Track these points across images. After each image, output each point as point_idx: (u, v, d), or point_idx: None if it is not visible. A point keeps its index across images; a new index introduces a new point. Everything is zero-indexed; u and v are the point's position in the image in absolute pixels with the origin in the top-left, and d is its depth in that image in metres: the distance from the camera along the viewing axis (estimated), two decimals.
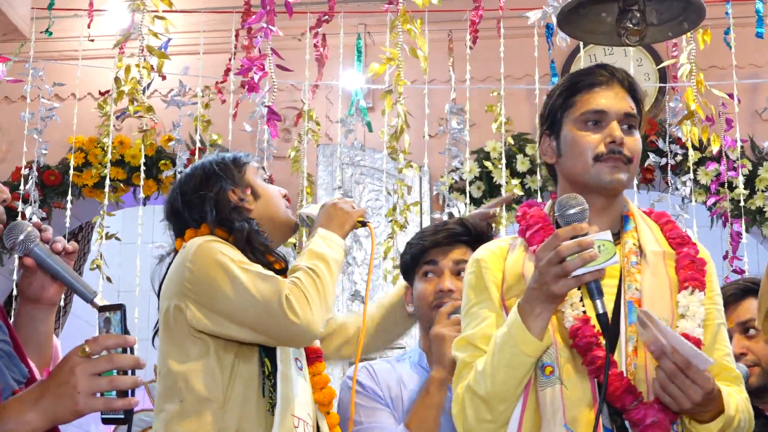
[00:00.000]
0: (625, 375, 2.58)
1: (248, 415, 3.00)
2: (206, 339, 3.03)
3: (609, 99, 2.79)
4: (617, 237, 2.78)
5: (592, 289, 2.50)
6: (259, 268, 3.07)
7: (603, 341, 2.56)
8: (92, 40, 7.22)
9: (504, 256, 2.82)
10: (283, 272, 3.17)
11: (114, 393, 1.99)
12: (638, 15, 3.69)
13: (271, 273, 3.06)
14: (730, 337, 3.61)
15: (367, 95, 7.36)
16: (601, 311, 2.50)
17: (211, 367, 3.02)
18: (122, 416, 2.01)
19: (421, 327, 3.57)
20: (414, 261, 3.54)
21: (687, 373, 2.46)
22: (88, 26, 7.12)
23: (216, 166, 3.34)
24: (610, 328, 2.55)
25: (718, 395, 2.55)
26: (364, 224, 3.32)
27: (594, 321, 2.57)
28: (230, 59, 7.04)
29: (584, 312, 2.60)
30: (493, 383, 2.61)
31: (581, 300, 2.61)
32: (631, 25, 3.68)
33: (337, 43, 7.07)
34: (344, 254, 3.23)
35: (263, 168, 3.46)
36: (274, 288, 2.99)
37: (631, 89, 2.84)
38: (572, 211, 2.53)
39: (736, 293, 3.69)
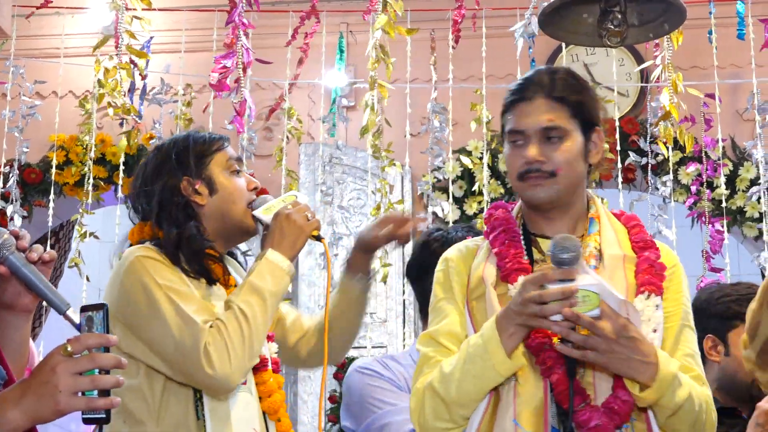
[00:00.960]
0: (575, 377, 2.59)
1: None
2: (138, 360, 2.92)
3: (526, 117, 2.78)
4: (580, 240, 2.76)
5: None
6: (190, 297, 2.91)
7: (556, 342, 2.58)
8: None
9: (472, 257, 2.85)
10: (218, 281, 3.06)
11: (95, 392, 1.99)
12: (619, 16, 3.70)
13: (193, 312, 2.87)
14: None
15: (350, 94, 7.37)
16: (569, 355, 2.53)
17: (142, 389, 2.91)
18: (103, 416, 2.01)
19: None
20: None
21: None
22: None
23: (174, 152, 3.15)
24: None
25: (652, 354, 2.55)
26: (318, 239, 3.14)
27: None
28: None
29: None
30: (458, 391, 2.64)
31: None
32: (612, 26, 3.70)
33: (319, 42, 7.08)
34: (290, 280, 3.06)
35: (239, 159, 3.23)
36: (194, 333, 2.84)
37: (558, 97, 2.79)
38: (566, 256, 2.51)
39: None
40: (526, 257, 2.74)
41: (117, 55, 5.73)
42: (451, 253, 2.90)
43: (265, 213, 3.11)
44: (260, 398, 3.03)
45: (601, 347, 2.50)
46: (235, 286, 3.07)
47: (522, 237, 2.81)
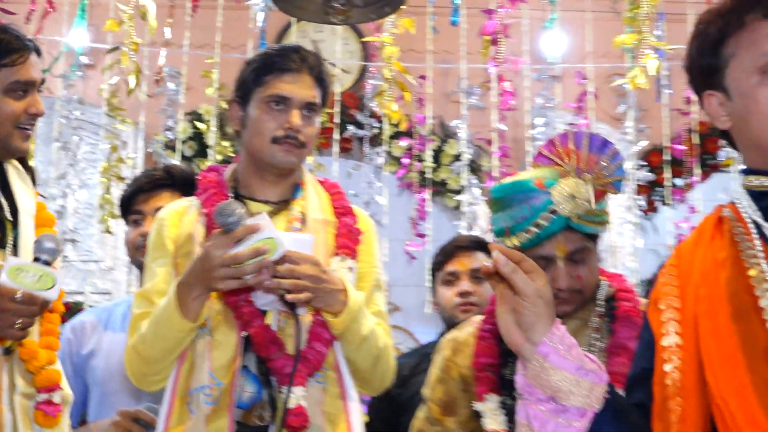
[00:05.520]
0: (273, 328, 2.78)
1: None
2: None
3: (295, 87, 2.92)
4: (287, 204, 2.98)
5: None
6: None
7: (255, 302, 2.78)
8: None
9: (182, 215, 2.96)
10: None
11: None
12: None
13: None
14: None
15: (89, 53, 7.41)
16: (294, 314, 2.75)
17: None
18: None
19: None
20: (124, 208, 3.68)
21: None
22: None
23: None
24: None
25: (342, 290, 2.76)
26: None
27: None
28: None
29: None
30: (152, 349, 2.78)
31: None
32: (338, 5, 3.93)
33: (61, 0, 7.15)
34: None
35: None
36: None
37: (319, 78, 2.97)
38: (231, 219, 2.62)
39: (469, 246, 4.18)
40: None
41: None
42: (164, 212, 2.99)
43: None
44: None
45: (310, 287, 2.67)
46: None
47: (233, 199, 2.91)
